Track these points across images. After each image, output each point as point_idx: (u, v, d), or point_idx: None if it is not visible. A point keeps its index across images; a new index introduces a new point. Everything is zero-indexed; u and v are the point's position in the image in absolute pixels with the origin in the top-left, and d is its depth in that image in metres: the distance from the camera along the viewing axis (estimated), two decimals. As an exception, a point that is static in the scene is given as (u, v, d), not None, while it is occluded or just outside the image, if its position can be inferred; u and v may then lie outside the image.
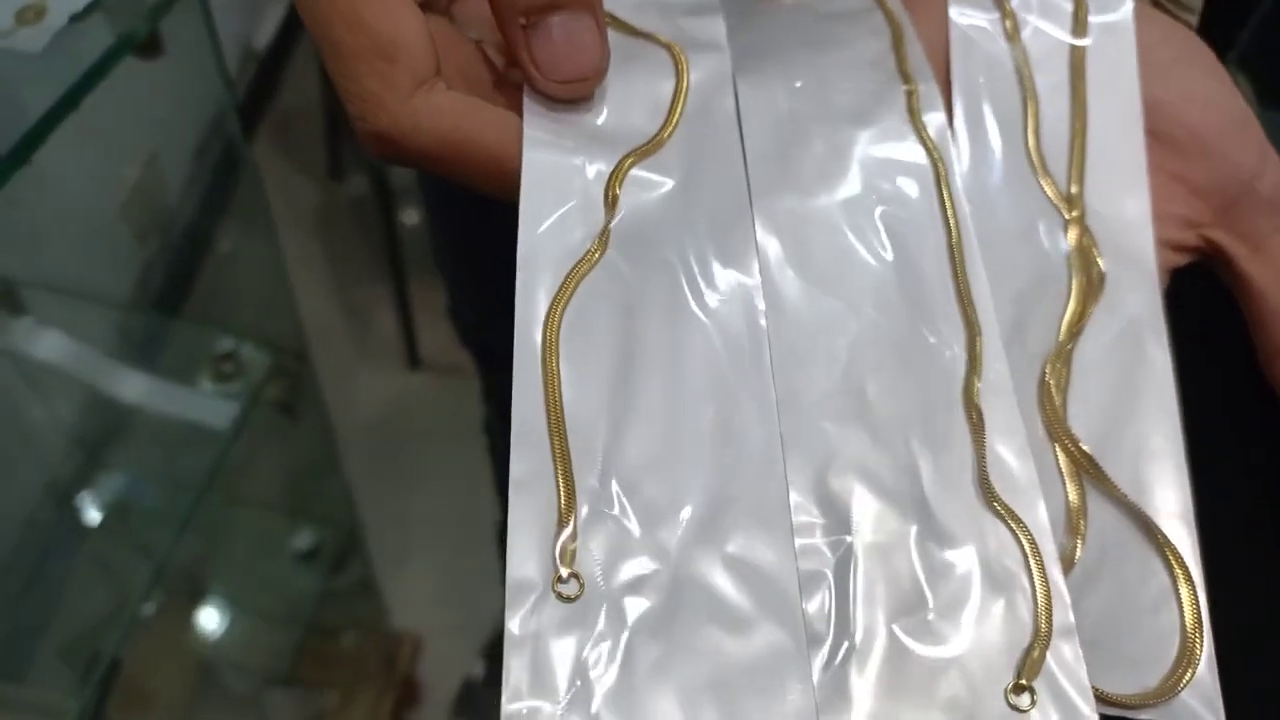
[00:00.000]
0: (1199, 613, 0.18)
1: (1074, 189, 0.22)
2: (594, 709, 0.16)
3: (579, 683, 0.16)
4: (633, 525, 0.17)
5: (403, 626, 1.23)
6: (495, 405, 0.96)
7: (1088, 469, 0.19)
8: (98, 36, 0.49)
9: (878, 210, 0.21)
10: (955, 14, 0.24)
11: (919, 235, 0.21)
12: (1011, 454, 0.18)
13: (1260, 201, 0.22)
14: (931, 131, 0.22)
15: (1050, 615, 0.17)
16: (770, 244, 0.20)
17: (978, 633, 0.17)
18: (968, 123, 0.23)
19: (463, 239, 0.73)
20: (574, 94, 0.22)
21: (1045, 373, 0.20)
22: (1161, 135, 0.23)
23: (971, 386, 0.19)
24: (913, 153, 0.22)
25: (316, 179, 1.82)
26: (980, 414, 0.19)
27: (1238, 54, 0.58)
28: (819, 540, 0.17)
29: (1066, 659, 0.17)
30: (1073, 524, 0.19)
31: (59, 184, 0.75)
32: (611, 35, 0.24)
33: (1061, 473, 0.19)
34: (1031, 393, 0.20)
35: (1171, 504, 0.19)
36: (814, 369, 0.19)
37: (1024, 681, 0.16)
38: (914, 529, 0.18)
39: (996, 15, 0.24)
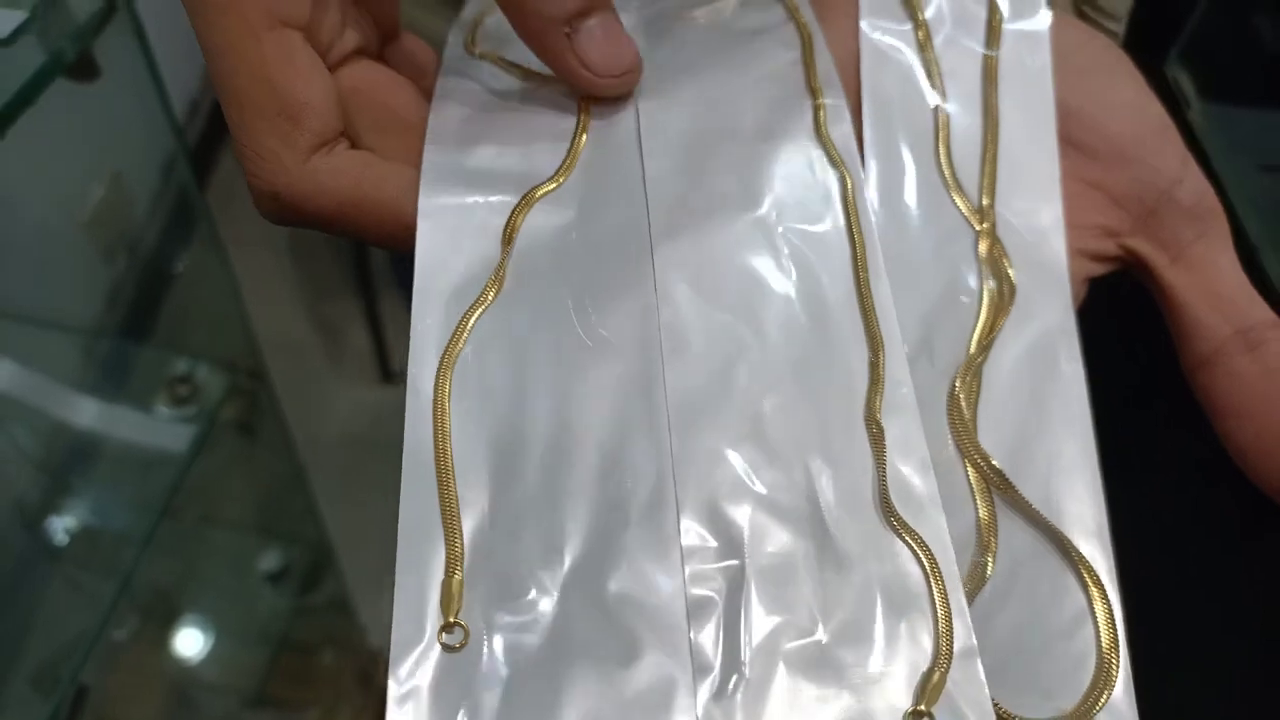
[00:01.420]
0: (1115, 632, 0.18)
1: (985, 201, 0.22)
2: None
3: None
4: (517, 569, 0.17)
5: (379, 643, 1.22)
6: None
7: (998, 485, 0.19)
8: (27, 58, 0.48)
9: (781, 228, 0.21)
10: (866, 26, 0.24)
11: (824, 252, 0.20)
12: (913, 471, 0.18)
13: (1180, 209, 0.22)
14: (838, 146, 0.22)
15: (951, 637, 0.16)
16: (669, 271, 0.20)
17: (874, 658, 0.16)
18: (877, 138, 0.22)
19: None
20: (625, 86, 0.22)
21: (955, 387, 0.20)
22: (1079, 143, 0.23)
23: (873, 403, 0.18)
24: (819, 168, 0.21)
25: (285, 193, 1.81)
26: (881, 430, 0.18)
27: (1178, 50, 0.58)
28: (709, 566, 0.17)
29: (968, 682, 0.16)
30: (983, 541, 0.18)
31: (15, 207, 0.74)
32: (518, 85, 0.24)
33: (972, 489, 0.19)
34: (940, 408, 0.20)
35: (1086, 520, 0.19)
36: (709, 392, 0.19)
37: (923, 708, 0.16)
38: (810, 550, 0.17)
39: (909, 26, 0.24)
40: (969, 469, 0.19)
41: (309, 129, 0.20)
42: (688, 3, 0.26)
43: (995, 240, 0.21)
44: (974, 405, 0.20)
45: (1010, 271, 0.21)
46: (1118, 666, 0.17)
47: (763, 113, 0.22)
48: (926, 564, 0.17)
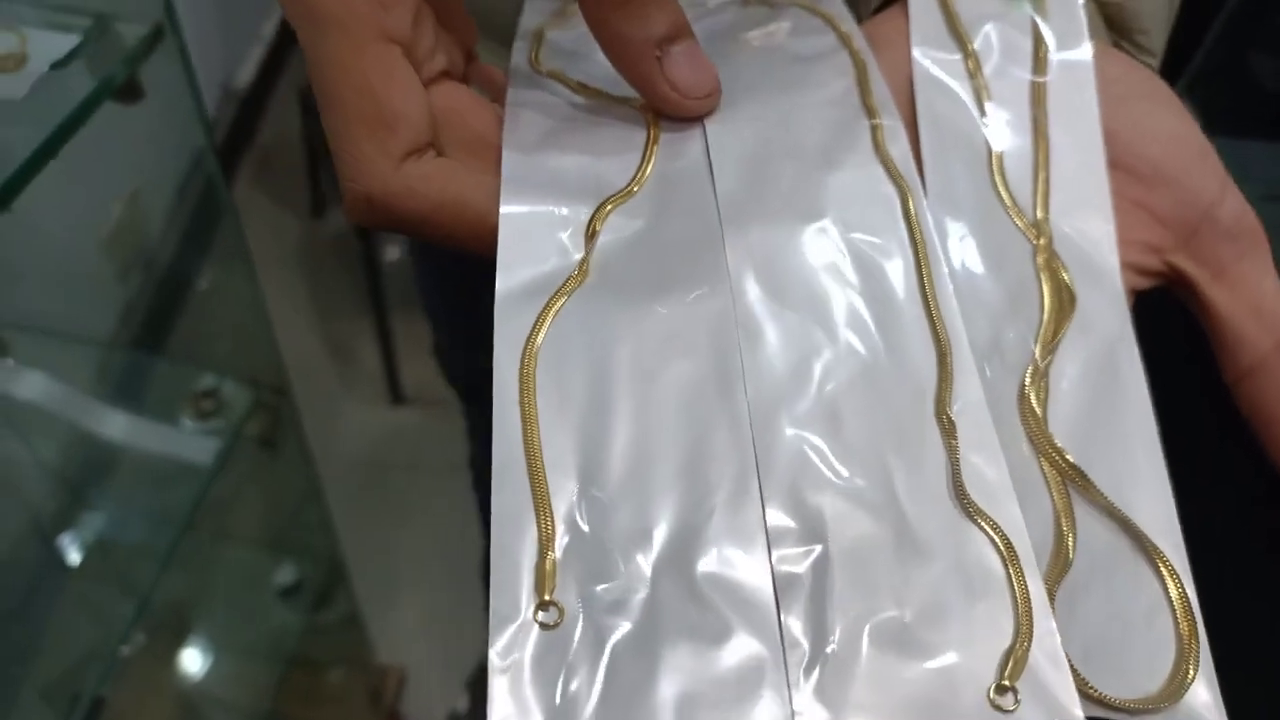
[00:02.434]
0: (1193, 620, 0.18)
1: (1040, 215, 0.23)
2: (576, 714, 0.16)
3: (561, 707, 0.16)
4: (609, 551, 0.18)
5: (388, 661, 1.23)
6: (480, 441, 0.97)
7: (1075, 479, 0.20)
8: (78, 82, 0.50)
9: (846, 237, 0.22)
10: (918, 54, 0.25)
11: (887, 258, 0.21)
12: (985, 461, 0.19)
13: (1220, 229, 0.23)
14: (897, 162, 0.23)
15: (1030, 616, 0.17)
16: (742, 271, 0.21)
17: (956, 636, 0.17)
18: (933, 159, 0.24)
19: (447, 279, 0.74)
20: (708, 106, 0.24)
21: (1025, 386, 0.21)
22: (1123, 165, 0.24)
23: (943, 400, 0.19)
24: (879, 182, 0.23)
25: (298, 216, 1.83)
26: (953, 425, 0.19)
27: (1185, 82, 0.60)
28: (794, 550, 0.18)
29: (1049, 658, 0.17)
30: (1061, 532, 0.19)
31: (41, 224, 0.76)
32: (585, 100, 0.25)
33: (1048, 483, 0.20)
34: (1012, 407, 0.21)
35: (1158, 517, 0.19)
36: (787, 389, 0.20)
37: (1007, 682, 0.16)
38: (889, 536, 0.18)
39: (959, 56, 0.25)
40: (1044, 464, 0.20)
41: (404, 137, 0.22)
42: (740, 25, 0.27)
43: (1052, 252, 0.23)
44: (1044, 405, 0.21)
45: (1068, 280, 0.22)
46: (1198, 651, 0.18)
47: (823, 133, 0.24)
48: (1003, 548, 0.18)
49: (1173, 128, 0.24)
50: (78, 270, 0.94)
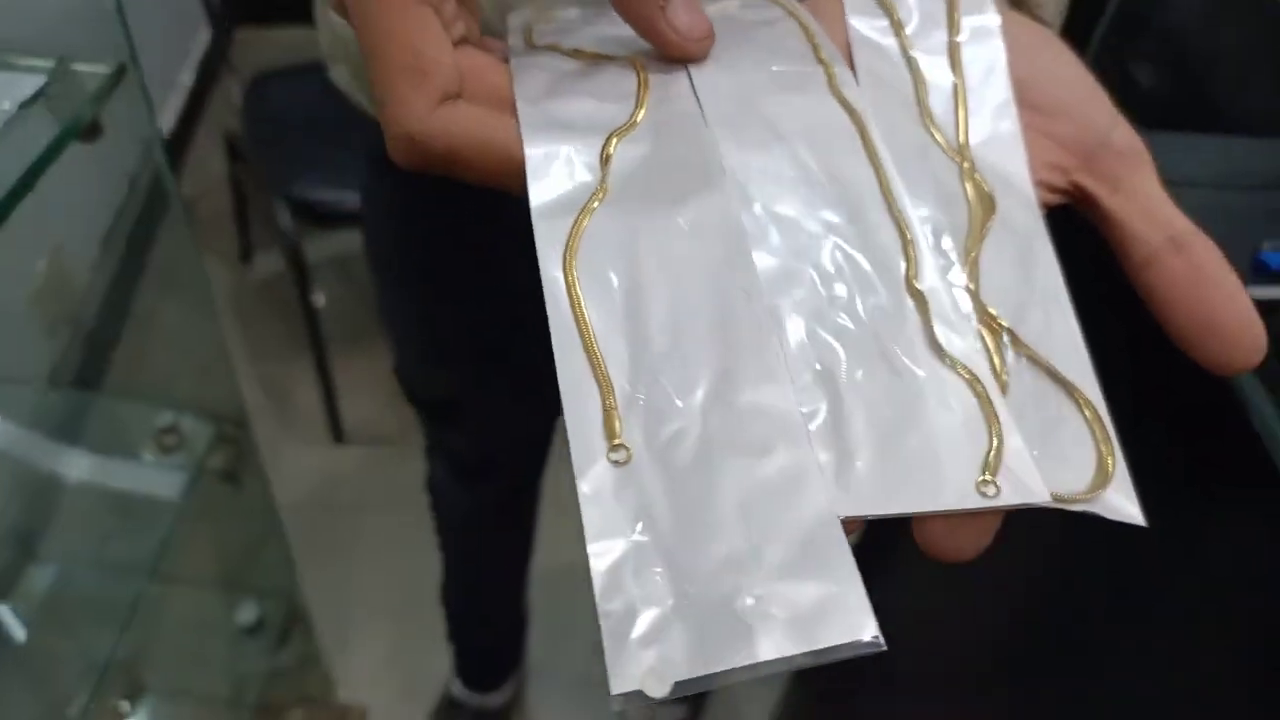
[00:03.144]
0: (1109, 438, 0.23)
1: (962, 142, 0.28)
2: (660, 532, 0.20)
3: (643, 525, 0.20)
4: (661, 400, 0.22)
5: (349, 699, 1.22)
6: (441, 458, 0.98)
7: (1008, 336, 0.24)
8: (46, 123, 0.51)
9: (820, 151, 0.26)
10: (853, 21, 0.30)
11: (854, 169, 0.26)
12: (954, 322, 0.23)
13: (1114, 151, 0.27)
14: (851, 100, 0.28)
15: (1000, 429, 0.22)
16: (739, 178, 0.25)
17: (947, 446, 0.21)
18: (874, 106, 0.28)
19: (409, 297, 0.76)
20: (704, 49, 0.28)
21: (964, 266, 0.25)
22: (1030, 103, 0.28)
23: (911, 277, 0.24)
24: (838, 115, 0.27)
25: (226, 263, 1.82)
26: (923, 298, 0.24)
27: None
28: (811, 383, 0.22)
29: (1018, 457, 0.21)
30: (1000, 380, 0.24)
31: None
32: (568, 60, 0.29)
33: (985, 343, 0.24)
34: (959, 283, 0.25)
35: (1075, 363, 0.24)
36: (789, 268, 0.24)
37: (988, 477, 0.21)
38: (885, 373, 0.22)
39: (886, 22, 0.30)
40: (982, 329, 0.24)
41: (438, 84, 0.25)
42: None
43: (975, 170, 0.27)
44: (977, 283, 0.25)
45: (988, 190, 0.27)
46: (1113, 460, 0.23)
47: (787, 77, 0.28)
48: (975, 384, 0.22)
49: (1070, 72, 0.29)
50: (23, 312, 0.93)
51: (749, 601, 0.19)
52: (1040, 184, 0.28)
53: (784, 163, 0.26)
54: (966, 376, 0.23)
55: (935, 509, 0.21)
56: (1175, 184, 0.60)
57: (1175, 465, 0.58)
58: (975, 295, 0.25)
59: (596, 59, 0.29)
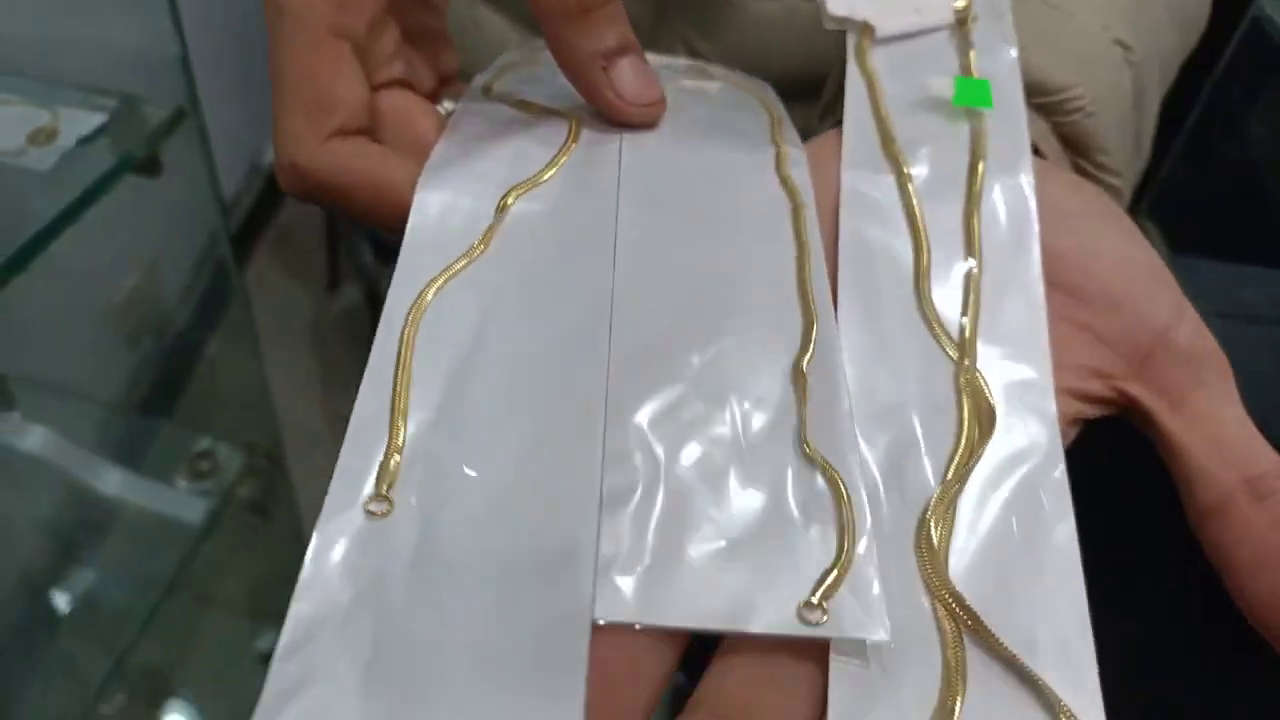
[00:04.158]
0: None
1: (967, 335, 0.22)
2: (384, 602, 0.17)
3: (370, 584, 0.17)
4: (453, 462, 0.19)
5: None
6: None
7: (971, 626, 0.18)
8: (101, 157, 0.54)
9: (733, 234, 0.24)
10: (848, 176, 0.25)
11: (771, 249, 0.23)
12: (831, 413, 0.20)
13: (1177, 354, 0.22)
14: (795, 181, 0.25)
15: (853, 547, 0.17)
16: (636, 247, 0.23)
17: (778, 559, 0.18)
18: (852, 278, 0.23)
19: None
20: (653, 115, 0.26)
21: (927, 517, 0.19)
22: (1066, 286, 0.23)
23: (801, 360, 0.21)
24: (774, 193, 0.25)
25: (312, 291, 1.88)
26: (805, 380, 0.20)
27: (1148, 203, 0.63)
28: (628, 464, 0.19)
29: (863, 584, 0.17)
30: (951, 686, 0.17)
31: (59, 287, 0.80)
32: (512, 111, 0.28)
33: (942, 631, 0.18)
34: (909, 543, 0.19)
35: (1074, 670, 0.18)
36: (651, 344, 0.21)
37: (815, 600, 0.17)
38: (726, 466, 0.19)
39: (892, 177, 0.25)
40: (938, 608, 0.18)
41: (336, 117, 0.24)
42: (679, 76, 0.31)
43: (976, 373, 0.21)
44: (946, 541, 0.19)
45: (991, 402, 0.21)
46: None
47: (729, 158, 0.26)
48: (835, 486, 0.18)
49: (1120, 247, 0.23)
50: (90, 332, 0.97)
51: (449, 689, 0.16)
52: (1074, 394, 0.22)
53: (685, 233, 0.24)
54: (828, 475, 0.19)
55: (743, 630, 0.17)
56: (1241, 318, 0.57)
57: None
58: (935, 558, 0.19)
59: (540, 111, 0.28)
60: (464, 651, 0.17)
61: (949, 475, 0.20)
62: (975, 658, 0.18)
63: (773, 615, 0.17)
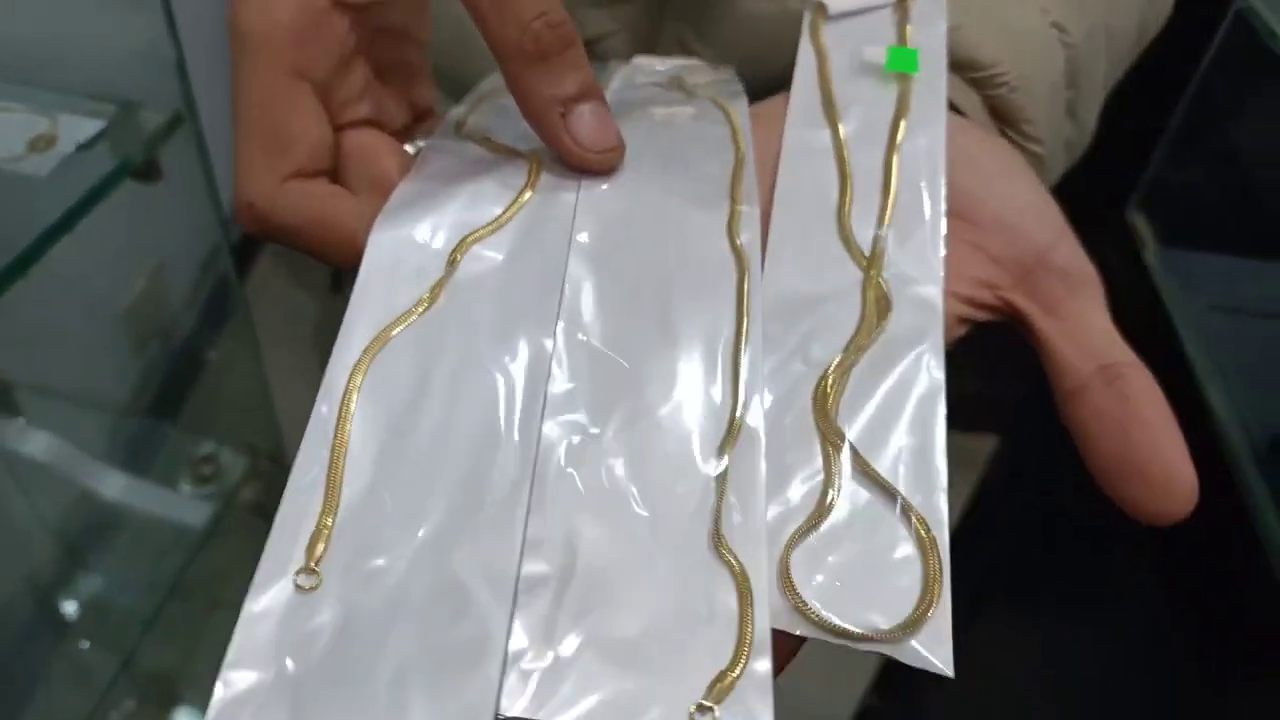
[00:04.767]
0: (941, 570, 0.20)
1: (877, 249, 0.26)
2: (303, 679, 0.18)
3: (294, 659, 0.18)
4: (379, 535, 0.20)
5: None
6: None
7: (849, 453, 0.22)
8: (101, 162, 0.54)
9: (676, 298, 0.24)
10: (790, 132, 0.29)
11: (709, 319, 0.24)
12: (747, 508, 0.21)
13: (1053, 270, 0.25)
14: (744, 245, 0.26)
15: (750, 649, 0.19)
16: (573, 309, 0.24)
17: (675, 656, 0.18)
18: (784, 205, 0.27)
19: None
20: (610, 162, 0.27)
21: (827, 379, 0.23)
22: (965, 215, 0.27)
23: (723, 449, 0.21)
24: (722, 257, 0.25)
25: (315, 294, 1.88)
26: (725, 474, 0.21)
27: (1137, 198, 0.63)
28: (544, 556, 0.20)
29: (759, 689, 0.18)
30: (828, 482, 0.22)
31: (63, 292, 0.80)
32: (478, 150, 0.28)
33: (825, 454, 0.22)
34: (809, 392, 0.23)
35: (927, 488, 0.21)
36: (581, 422, 0.22)
37: (708, 703, 0.18)
38: (639, 562, 0.20)
39: (828, 132, 0.29)
40: (824, 443, 0.22)
41: (293, 159, 0.25)
42: (653, 102, 0.31)
43: (879, 275, 0.25)
44: (838, 394, 0.23)
45: (889, 297, 0.25)
46: (938, 596, 0.20)
47: (683, 211, 0.26)
48: (741, 586, 0.19)
49: (1013, 184, 0.27)
50: (93, 338, 0.98)
51: None
52: (964, 299, 0.26)
53: (630, 300, 0.24)
54: (736, 574, 0.20)
55: None
56: (1235, 311, 0.57)
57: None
58: (824, 402, 0.23)
59: (504, 151, 0.28)
60: (384, 708, 0.17)
61: (846, 349, 0.24)
62: (849, 475, 0.22)
63: (665, 717, 0.18)
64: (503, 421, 0.22)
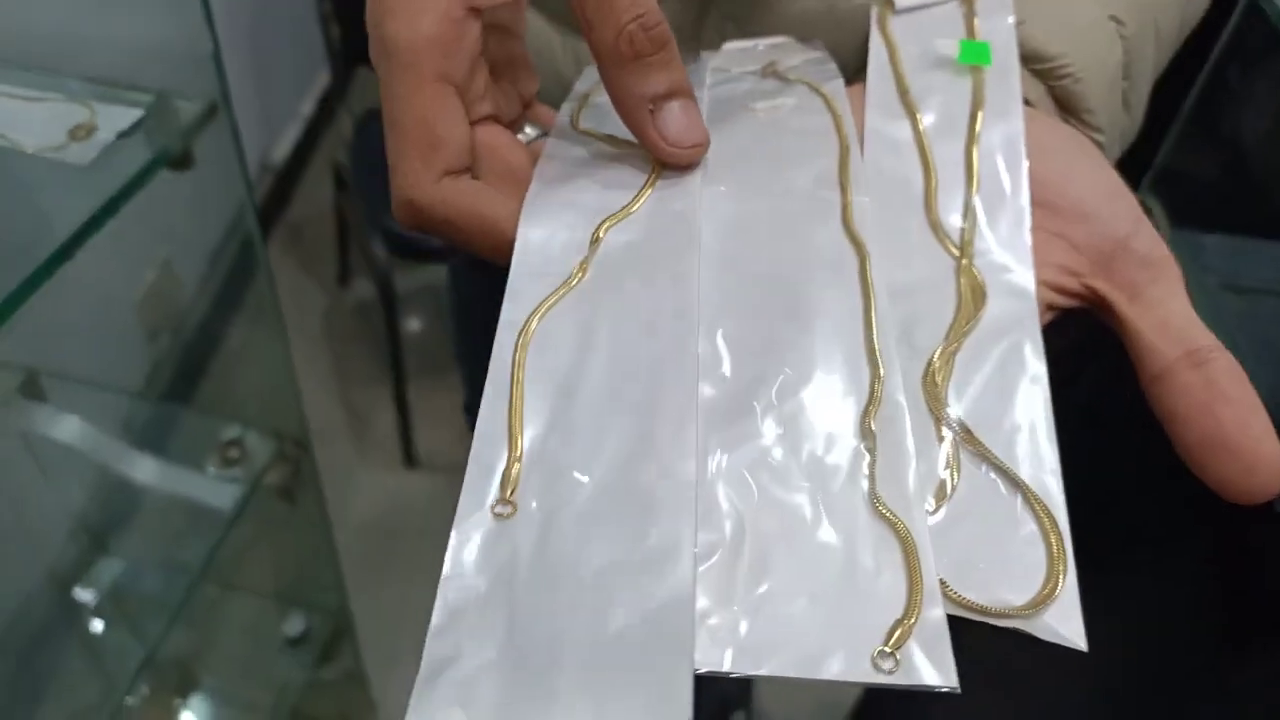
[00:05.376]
0: (1064, 549, 0.21)
1: (967, 238, 0.27)
2: (514, 587, 0.20)
3: (502, 572, 0.20)
4: (565, 466, 0.22)
5: (389, 721, 1.24)
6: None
7: (963, 437, 0.23)
8: (139, 151, 0.55)
9: (806, 286, 0.26)
10: (871, 117, 0.30)
11: (839, 301, 0.26)
12: (898, 468, 0.22)
13: (1134, 257, 0.26)
14: (860, 233, 0.27)
15: (921, 599, 0.20)
16: (714, 287, 0.26)
17: (857, 607, 0.20)
18: (877, 197, 0.28)
19: (483, 340, 0.79)
20: (695, 157, 0.28)
21: (933, 363, 0.25)
22: (1047, 204, 0.27)
23: (868, 415, 0.23)
24: (842, 248, 0.27)
25: (324, 286, 1.89)
26: (874, 438, 0.23)
27: (1150, 179, 0.65)
28: (715, 533, 0.21)
29: (933, 634, 0.19)
30: (950, 466, 0.23)
31: (84, 281, 0.81)
32: (601, 146, 0.30)
33: (941, 438, 0.23)
34: (916, 381, 0.24)
35: (1041, 471, 0.23)
36: (729, 397, 0.23)
37: (889, 649, 0.19)
38: (803, 523, 0.21)
39: (908, 121, 0.30)
40: (938, 426, 0.23)
41: (446, 158, 0.27)
42: (753, 95, 0.32)
43: (972, 265, 0.27)
44: (946, 380, 0.24)
45: (982, 285, 0.26)
46: (1064, 574, 0.21)
47: (796, 205, 0.28)
48: (905, 542, 0.21)
49: (1091, 174, 0.28)
50: (120, 324, 0.99)
51: (570, 672, 0.19)
52: (1050, 286, 0.27)
53: (760, 294, 0.26)
54: (898, 531, 0.21)
55: (816, 677, 0.19)
56: (1247, 291, 0.59)
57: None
58: (935, 389, 0.24)
59: (626, 146, 0.30)
60: (583, 632, 0.19)
61: (949, 336, 0.25)
62: (965, 457, 0.23)
63: (848, 663, 0.19)
64: (662, 373, 0.24)
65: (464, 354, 0.84)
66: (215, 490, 0.75)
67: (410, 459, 1.61)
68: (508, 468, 0.22)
